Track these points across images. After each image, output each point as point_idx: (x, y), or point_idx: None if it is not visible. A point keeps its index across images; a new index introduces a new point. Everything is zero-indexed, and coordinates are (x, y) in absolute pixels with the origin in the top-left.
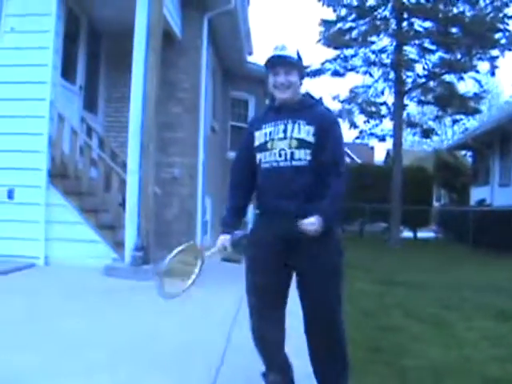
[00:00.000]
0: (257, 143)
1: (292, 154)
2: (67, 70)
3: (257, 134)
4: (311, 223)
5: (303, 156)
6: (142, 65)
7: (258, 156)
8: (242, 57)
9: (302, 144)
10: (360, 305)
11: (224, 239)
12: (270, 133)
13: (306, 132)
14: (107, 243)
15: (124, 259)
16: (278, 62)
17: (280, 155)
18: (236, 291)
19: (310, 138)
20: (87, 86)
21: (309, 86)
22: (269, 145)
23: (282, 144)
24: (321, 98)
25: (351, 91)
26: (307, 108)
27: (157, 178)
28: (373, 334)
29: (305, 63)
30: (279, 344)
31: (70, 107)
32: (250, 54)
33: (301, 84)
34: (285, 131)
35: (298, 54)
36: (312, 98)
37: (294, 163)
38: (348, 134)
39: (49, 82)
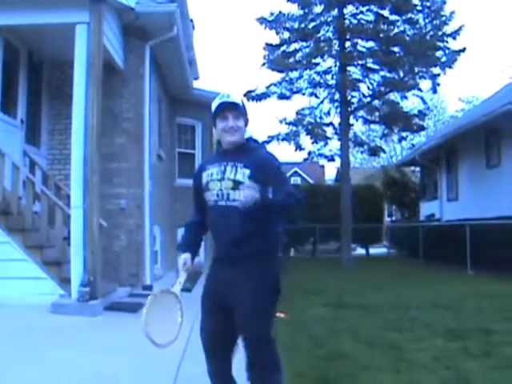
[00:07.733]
0: (202, 183)
1: (228, 194)
2: (7, 104)
3: (203, 174)
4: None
5: (237, 197)
6: (83, 97)
7: (204, 195)
8: (187, 83)
9: (236, 185)
10: (309, 331)
11: (186, 257)
12: (212, 174)
13: (241, 174)
14: (53, 280)
15: (71, 295)
16: (226, 108)
17: (217, 195)
18: (185, 321)
19: (245, 180)
20: (29, 118)
21: (256, 109)
22: (209, 185)
23: (218, 184)
24: (263, 142)
25: (297, 113)
26: (248, 151)
27: (103, 210)
28: (321, 364)
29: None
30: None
31: (11, 142)
32: (197, 78)
33: (245, 131)
34: (223, 172)
35: (242, 102)
36: (255, 141)
37: (229, 203)
38: (297, 154)
39: None
